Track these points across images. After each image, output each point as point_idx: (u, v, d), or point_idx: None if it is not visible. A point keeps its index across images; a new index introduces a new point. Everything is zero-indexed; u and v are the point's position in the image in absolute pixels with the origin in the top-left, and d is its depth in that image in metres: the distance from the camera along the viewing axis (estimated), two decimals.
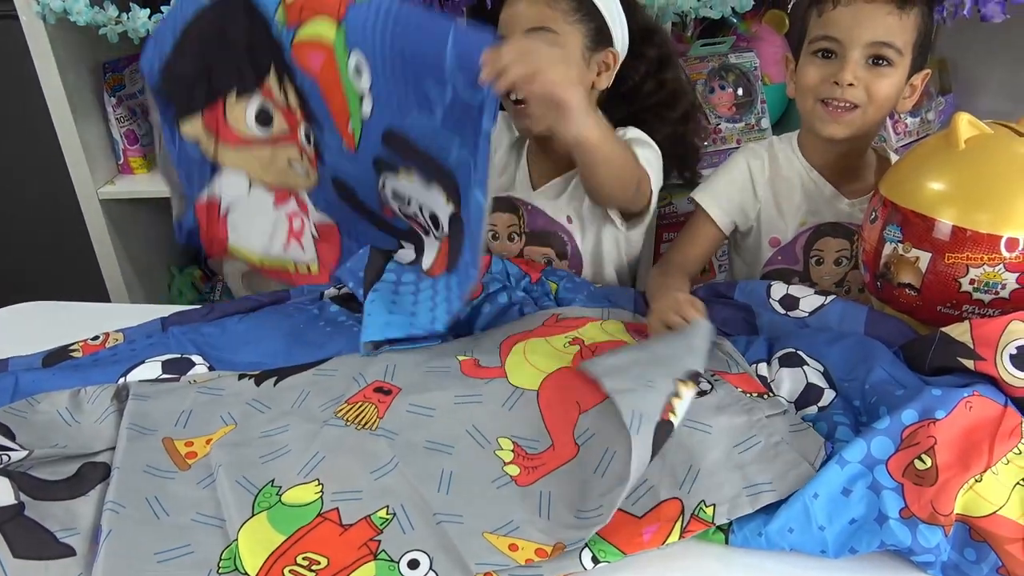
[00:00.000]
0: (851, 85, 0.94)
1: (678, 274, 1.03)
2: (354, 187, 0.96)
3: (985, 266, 0.78)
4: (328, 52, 0.86)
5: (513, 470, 0.69)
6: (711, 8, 1.30)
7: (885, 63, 0.94)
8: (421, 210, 0.91)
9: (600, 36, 1.04)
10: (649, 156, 1.04)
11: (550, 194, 1.13)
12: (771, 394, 0.77)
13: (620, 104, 1.11)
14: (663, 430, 0.64)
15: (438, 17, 0.78)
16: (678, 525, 0.63)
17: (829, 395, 0.77)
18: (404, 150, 0.86)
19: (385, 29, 0.80)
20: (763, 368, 0.81)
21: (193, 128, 0.98)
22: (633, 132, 1.08)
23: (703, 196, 1.10)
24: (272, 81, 0.95)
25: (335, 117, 0.90)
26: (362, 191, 0.95)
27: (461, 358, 0.83)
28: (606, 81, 1.07)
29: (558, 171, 1.13)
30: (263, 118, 0.98)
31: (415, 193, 0.89)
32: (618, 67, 1.07)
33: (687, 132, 1.16)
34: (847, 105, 0.95)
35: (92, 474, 0.71)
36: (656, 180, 1.04)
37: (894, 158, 1.09)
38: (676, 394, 0.67)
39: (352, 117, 0.88)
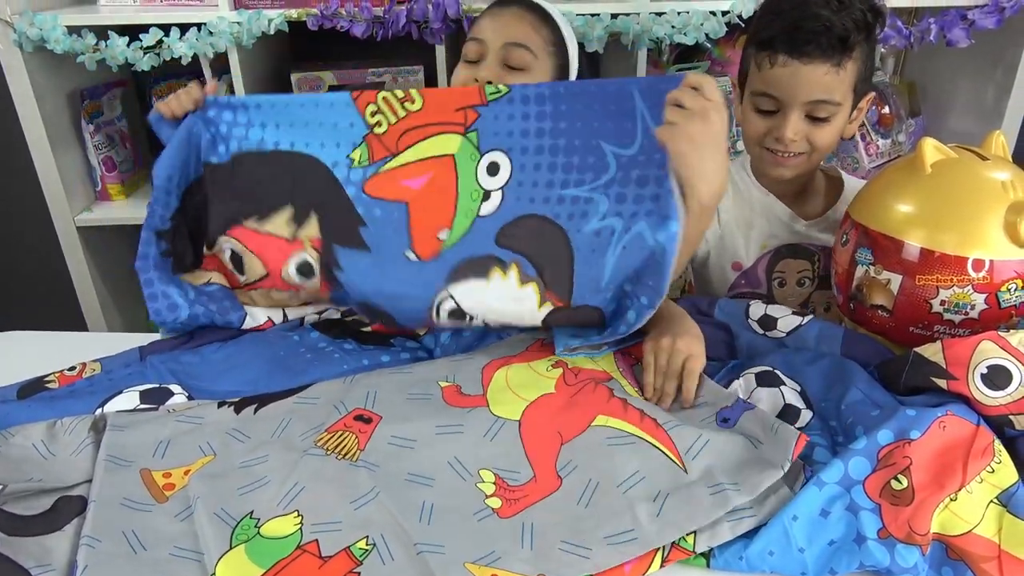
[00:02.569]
0: (793, 141, 0.97)
1: None
2: (388, 310, 0.94)
3: (955, 287, 0.80)
4: (445, 164, 0.89)
5: (495, 503, 0.69)
6: (685, 34, 1.33)
7: (824, 118, 0.96)
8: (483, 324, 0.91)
9: (561, 73, 1.08)
10: None
11: None
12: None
13: None
14: None
15: (608, 81, 0.84)
16: (659, 556, 0.63)
17: (806, 416, 0.78)
18: (521, 240, 0.87)
19: (542, 115, 0.86)
20: (738, 386, 0.82)
21: (193, 276, 0.99)
22: None
23: None
24: (251, 224, 0.97)
25: (415, 230, 0.91)
26: (399, 311, 0.94)
27: (443, 384, 0.82)
28: None
29: None
30: (237, 262, 0.99)
31: (490, 302, 0.88)
32: None
33: None
34: (792, 153, 0.99)
35: (68, 508, 0.70)
36: None
37: (846, 177, 1.13)
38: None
39: (459, 218, 0.89)
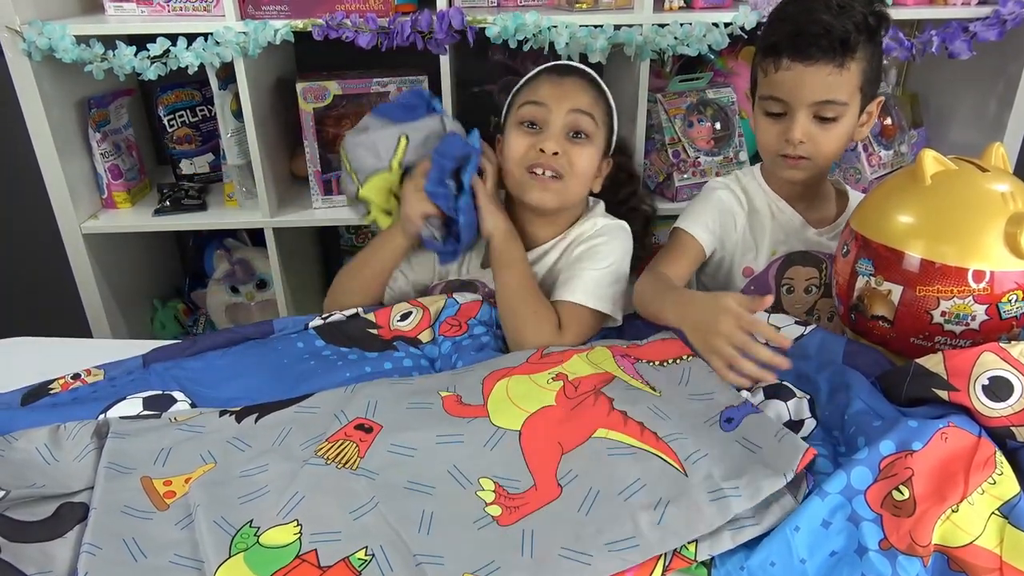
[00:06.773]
0: (801, 142, 0.99)
1: (671, 284, 1.01)
2: None
3: (955, 298, 0.80)
4: None
5: (495, 510, 0.68)
6: (688, 46, 1.34)
7: (831, 119, 0.99)
8: None
9: (607, 146, 1.08)
10: (605, 287, 1.03)
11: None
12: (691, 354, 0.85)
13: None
14: None
15: None
16: (660, 564, 0.63)
17: (810, 425, 0.78)
18: None
19: None
20: (748, 399, 0.81)
21: None
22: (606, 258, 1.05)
23: (687, 223, 1.10)
24: None
25: None
26: None
27: (444, 394, 0.83)
28: (599, 185, 1.09)
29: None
30: None
31: None
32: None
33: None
34: (802, 156, 1.01)
35: (70, 515, 0.70)
36: (611, 307, 1.03)
37: (850, 191, 1.14)
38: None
39: None
